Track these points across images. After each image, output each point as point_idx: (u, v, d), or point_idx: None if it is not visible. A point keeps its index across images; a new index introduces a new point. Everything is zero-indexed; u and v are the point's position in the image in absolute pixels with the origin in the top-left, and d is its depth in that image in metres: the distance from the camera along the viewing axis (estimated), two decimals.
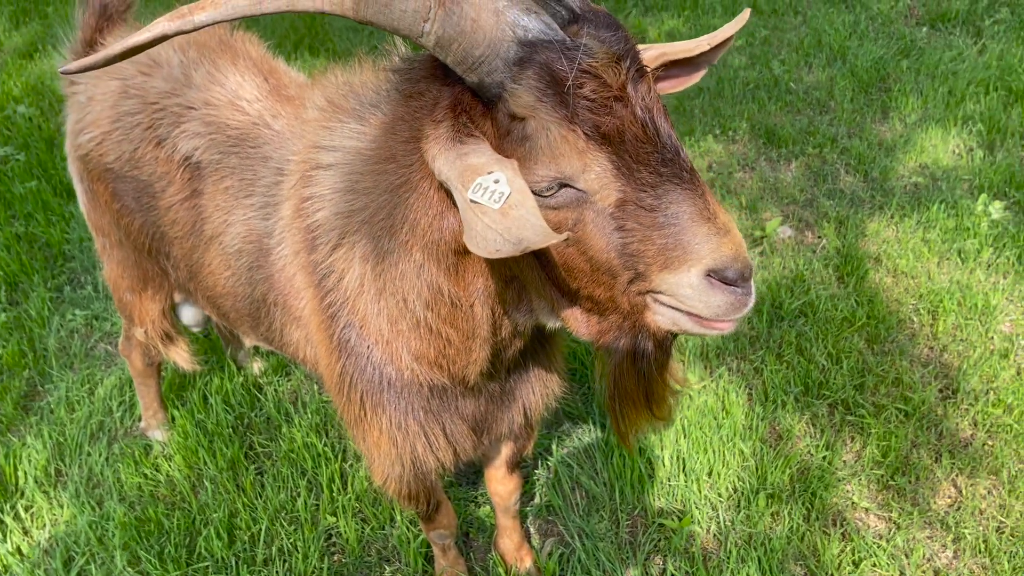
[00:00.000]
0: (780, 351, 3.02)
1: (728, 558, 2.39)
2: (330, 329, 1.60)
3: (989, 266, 3.32)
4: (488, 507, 2.61)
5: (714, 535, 2.50)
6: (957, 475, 2.59)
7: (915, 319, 3.14)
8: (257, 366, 3.14)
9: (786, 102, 4.48)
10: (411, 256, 1.34)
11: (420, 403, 1.62)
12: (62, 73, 1.12)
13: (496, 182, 1.03)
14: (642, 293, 1.18)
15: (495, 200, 1.02)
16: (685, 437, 2.71)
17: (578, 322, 1.30)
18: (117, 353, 3.30)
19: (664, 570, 2.40)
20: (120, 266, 2.43)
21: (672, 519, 2.50)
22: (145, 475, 2.73)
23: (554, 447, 2.75)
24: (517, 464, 2.23)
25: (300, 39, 5.76)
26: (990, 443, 2.67)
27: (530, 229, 1.00)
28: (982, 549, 2.38)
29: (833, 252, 3.46)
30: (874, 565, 2.36)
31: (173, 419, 2.91)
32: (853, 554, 2.39)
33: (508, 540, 2.39)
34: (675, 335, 1.27)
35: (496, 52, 1.05)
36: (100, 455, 2.82)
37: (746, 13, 1.36)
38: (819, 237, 3.59)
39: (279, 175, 1.82)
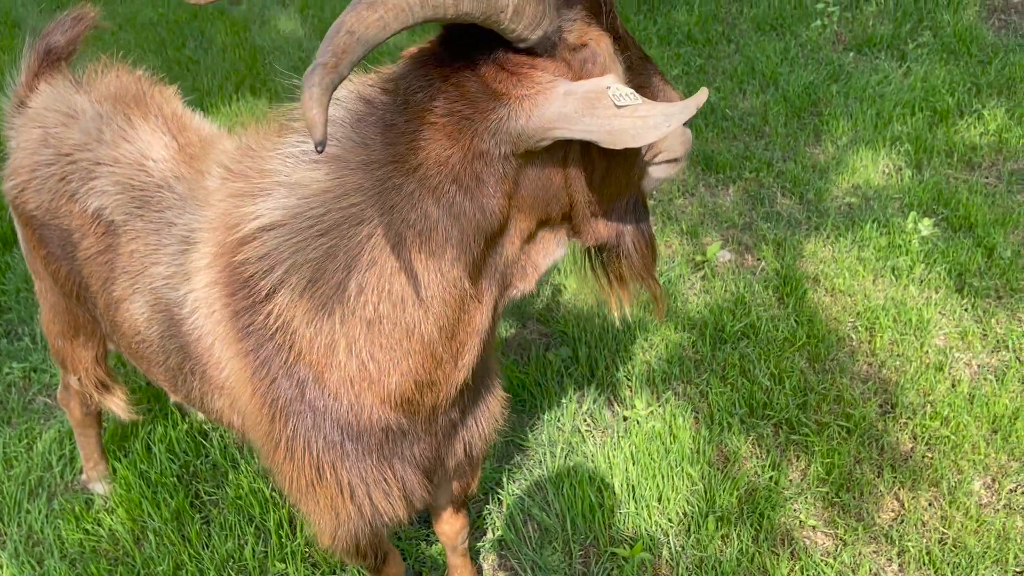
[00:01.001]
0: (724, 373, 3.07)
1: None
2: (271, 393, 1.53)
3: (921, 282, 3.42)
4: (440, 545, 2.59)
5: (666, 561, 2.51)
6: (899, 489, 2.64)
7: (853, 336, 3.21)
8: (201, 413, 3.08)
9: (722, 128, 4.59)
10: (442, 259, 1.34)
11: (376, 449, 1.58)
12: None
13: (621, 90, 1.24)
14: (647, 162, 1.51)
15: (633, 98, 1.23)
16: (634, 464, 2.72)
17: (596, 231, 1.53)
18: (56, 405, 3.21)
19: None
20: (52, 311, 2.39)
21: (624, 547, 2.51)
22: (86, 530, 2.66)
23: (504, 480, 2.75)
24: (463, 503, 2.21)
25: (242, 80, 5.74)
26: (929, 455, 2.73)
27: (671, 95, 1.49)
28: (926, 561, 2.43)
29: (772, 274, 3.54)
30: None
31: (114, 470, 2.84)
32: (802, 573, 2.42)
33: None
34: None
35: (549, 4, 1.22)
36: (40, 512, 2.74)
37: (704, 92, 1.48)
38: (758, 260, 3.67)
39: (185, 244, 1.74)
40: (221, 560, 2.51)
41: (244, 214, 1.46)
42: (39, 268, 2.31)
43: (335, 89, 1.01)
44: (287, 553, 2.53)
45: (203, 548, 2.56)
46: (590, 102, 1.22)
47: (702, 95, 1.24)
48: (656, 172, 1.55)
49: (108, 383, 2.55)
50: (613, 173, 1.45)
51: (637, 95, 1.23)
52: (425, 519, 2.65)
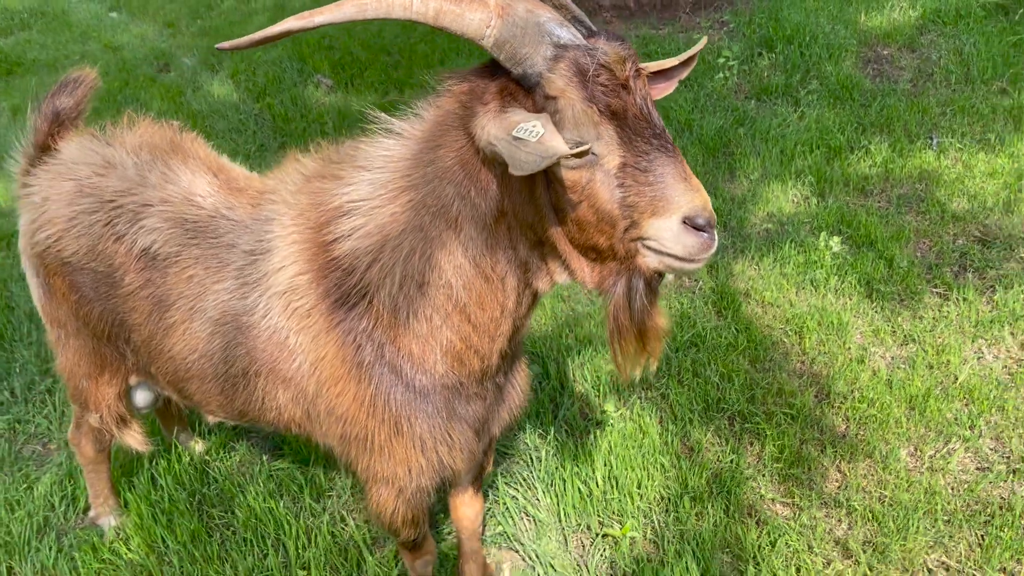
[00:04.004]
0: (680, 377, 3.46)
1: (667, 555, 2.72)
2: (356, 358, 1.85)
3: (837, 291, 3.93)
4: (447, 542, 2.83)
5: (651, 539, 2.83)
6: (840, 461, 3.06)
7: (785, 340, 3.66)
8: (200, 447, 3.24)
9: None
10: (459, 233, 1.65)
11: (443, 406, 1.89)
12: (218, 48, 1.52)
13: (533, 127, 1.42)
14: (634, 240, 1.55)
15: (533, 136, 1.41)
16: (614, 458, 3.05)
17: (584, 272, 1.68)
18: (48, 452, 3.30)
19: (612, 574, 2.70)
20: (77, 354, 2.54)
21: (614, 528, 2.82)
22: (105, 560, 2.77)
23: (499, 483, 3.02)
24: (480, 482, 2.50)
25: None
26: (861, 433, 3.17)
27: (557, 145, 1.40)
28: (870, 517, 2.83)
29: (709, 291, 3.98)
30: (787, 543, 2.75)
31: (126, 503, 2.96)
32: (769, 536, 2.78)
33: (473, 564, 2.62)
34: (661, 275, 1.64)
35: (537, 50, 1.46)
36: (51, 549, 2.84)
37: (704, 40, 1.82)
38: (696, 280, 4.11)
39: (251, 256, 2.05)
40: (246, 572, 2.68)
41: (331, 195, 1.81)
42: (64, 315, 2.47)
43: (291, 33, 1.43)
44: (307, 561, 2.72)
45: (224, 563, 2.72)
46: (507, 129, 1.46)
47: (560, 148, 1.40)
48: (650, 257, 1.57)
49: (127, 417, 2.70)
50: (560, 202, 1.58)
51: (540, 136, 1.41)
52: (431, 522, 2.89)
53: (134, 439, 2.75)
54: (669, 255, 1.55)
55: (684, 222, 1.49)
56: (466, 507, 2.51)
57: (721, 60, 6.04)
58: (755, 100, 5.84)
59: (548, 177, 1.57)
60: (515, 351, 2.07)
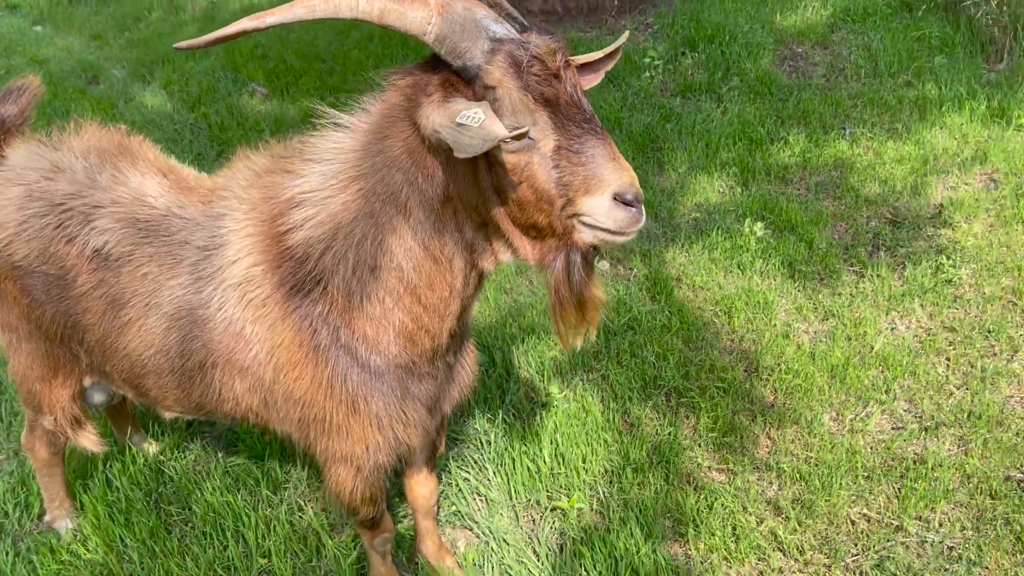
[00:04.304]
0: (619, 359, 3.64)
1: (612, 523, 2.89)
2: (312, 342, 1.95)
3: (762, 273, 4.17)
4: (402, 524, 2.95)
5: (597, 510, 2.99)
6: (770, 428, 3.27)
7: (716, 320, 3.88)
8: (154, 448, 3.28)
9: None
10: (408, 218, 1.77)
11: (397, 385, 2.01)
12: (176, 49, 1.66)
13: (475, 113, 1.55)
14: (571, 216, 1.69)
15: (475, 121, 1.54)
16: (559, 436, 3.20)
17: (526, 250, 1.80)
18: (5, 458, 3.31)
19: (563, 545, 2.86)
20: (29, 358, 2.58)
21: (562, 501, 2.97)
22: (64, 561, 2.80)
23: (452, 466, 3.14)
24: (434, 461, 2.62)
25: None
26: (788, 402, 3.39)
27: (497, 129, 1.53)
28: (798, 477, 3.04)
29: (643, 278, 4.18)
30: (723, 505, 2.95)
31: (82, 505, 2.99)
32: (706, 500, 2.97)
33: (430, 542, 2.74)
34: (596, 249, 1.78)
35: (475, 45, 1.59)
36: (7, 553, 2.85)
37: (626, 34, 1.97)
38: (630, 268, 4.30)
39: (205, 251, 2.14)
40: (207, 564, 2.74)
41: (283, 188, 1.92)
42: (15, 320, 2.51)
43: (246, 33, 1.57)
44: (267, 550, 2.80)
45: (184, 557, 2.78)
46: (450, 117, 1.58)
47: (499, 131, 1.52)
48: (585, 232, 1.69)
49: (81, 419, 2.74)
50: (501, 185, 1.71)
51: (481, 121, 1.54)
52: (388, 504, 3.00)
53: (89, 440, 2.79)
54: (602, 229, 1.67)
55: (615, 198, 1.63)
56: (421, 486, 2.63)
57: (647, 60, 6.29)
58: (680, 97, 6.09)
59: (490, 161, 1.70)
60: (463, 331, 2.20)
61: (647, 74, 6.24)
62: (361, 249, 1.85)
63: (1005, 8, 6.22)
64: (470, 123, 1.54)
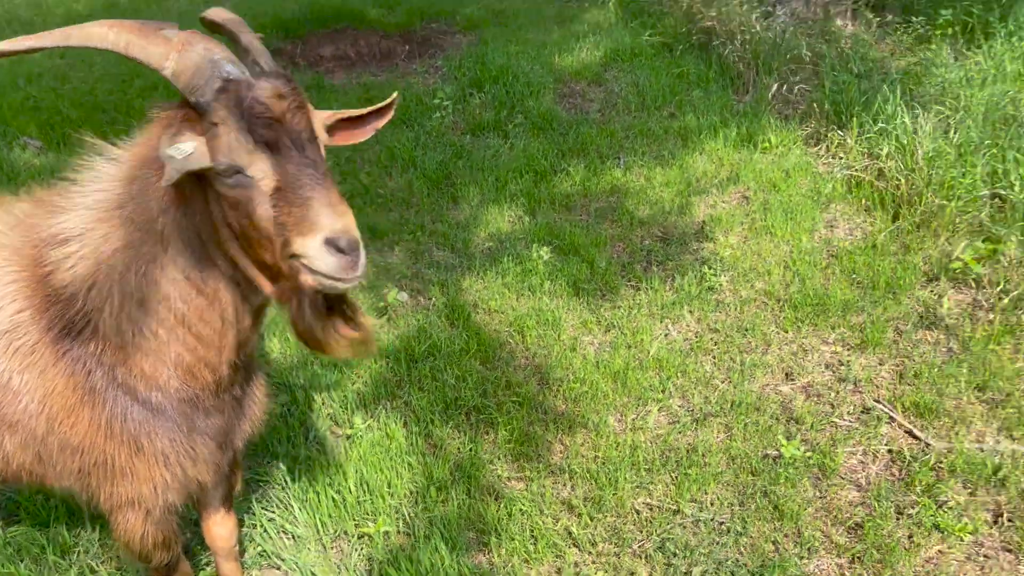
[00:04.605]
0: (421, 384, 3.77)
1: (418, 541, 2.99)
2: (87, 384, 1.92)
3: (550, 293, 4.47)
4: (204, 572, 2.90)
5: (403, 531, 3.09)
6: (562, 435, 3.52)
7: (510, 340, 4.11)
8: None
9: (378, 204, 5.42)
10: (167, 248, 1.79)
11: (182, 421, 2.00)
12: None
13: (185, 147, 1.62)
14: (291, 257, 1.68)
15: (181, 154, 1.61)
16: (364, 465, 3.28)
17: (268, 288, 1.82)
18: None
19: (370, 570, 2.92)
20: None
21: (368, 527, 3.04)
22: None
23: (256, 508, 3.13)
24: (231, 501, 2.61)
25: None
26: (577, 409, 3.66)
27: (195, 161, 1.61)
28: (588, 476, 3.29)
29: (442, 306, 4.36)
30: (521, 511, 3.14)
31: None
32: (507, 508, 3.15)
33: None
34: (327, 295, 1.79)
35: (208, 83, 1.65)
36: None
37: (396, 95, 2.03)
38: (429, 298, 4.47)
39: None
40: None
41: (44, 227, 1.89)
42: None
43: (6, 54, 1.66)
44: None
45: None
46: (167, 147, 1.63)
47: (192, 164, 1.62)
48: (308, 276, 1.69)
49: None
50: (228, 219, 1.74)
51: (187, 155, 1.62)
52: (187, 550, 2.94)
53: None
54: (319, 273, 1.67)
55: (327, 243, 1.63)
56: (218, 526, 2.61)
57: (436, 101, 6.56)
58: (470, 135, 6.40)
59: (219, 196, 1.74)
60: (247, 364, 2.24)
61: (438, 114, 6.50)
62: (125, 281, 1.85)
63: (748, 47, 7.08)
64: (176, 155, 1.61)
